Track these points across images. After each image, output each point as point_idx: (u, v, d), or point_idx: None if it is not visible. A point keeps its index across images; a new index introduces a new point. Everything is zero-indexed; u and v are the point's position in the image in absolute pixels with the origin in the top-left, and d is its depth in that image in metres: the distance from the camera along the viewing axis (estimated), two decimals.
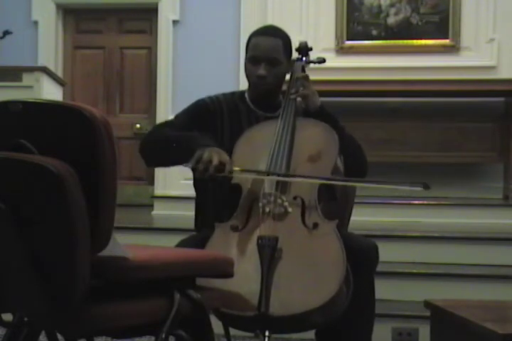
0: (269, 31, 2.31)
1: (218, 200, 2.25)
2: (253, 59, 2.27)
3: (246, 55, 2.31)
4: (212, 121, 2.29)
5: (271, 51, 2.25)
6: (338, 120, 2.30)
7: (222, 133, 2.29)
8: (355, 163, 2.27)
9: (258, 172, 2.08)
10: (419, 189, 1.97)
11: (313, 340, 2.20)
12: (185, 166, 2.02)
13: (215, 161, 1.97)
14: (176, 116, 2.32)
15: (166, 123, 2.30)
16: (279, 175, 2.07)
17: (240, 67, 5.25)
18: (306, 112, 2.30)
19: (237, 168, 2.04)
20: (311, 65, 2.52)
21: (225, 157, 2.02)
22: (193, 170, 2.02)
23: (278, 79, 2.30)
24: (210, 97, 2.36)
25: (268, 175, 2.08)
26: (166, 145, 2.14)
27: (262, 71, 2.24)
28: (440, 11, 5.50)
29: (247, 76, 2.32)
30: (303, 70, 2.43)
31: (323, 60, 2.52)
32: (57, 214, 1.31)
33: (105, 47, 6.23)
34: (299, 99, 2.30)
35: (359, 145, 2.34)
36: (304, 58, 2.48)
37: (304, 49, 2.49)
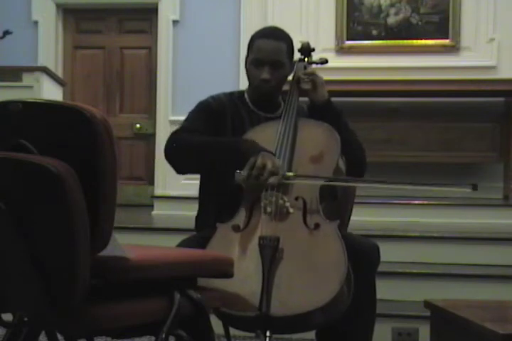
0: (273, 34, 2.29)
1: (220, 200, 2.25)
2: (257, 62, 2.26)
3: (248, 56, 2.30)
4: (217, 122, 2.28)
5: (275, 54, 2.24)
6: (342, 114, 2.31)
7: (224, 133, 2.28)
8: (355, 158, 2.27)
9: (311, 177, 2.08)
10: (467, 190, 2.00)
11: (314, 340, 2.20)
12: (238, 174, 2.02)
13: (270, 167, 1.99)
14: (187, 120, 2.28)
15: (185, 129, 2.23)
16: (331, 180, 2.07)
17: (239, 67, 5.25)
18: (313, 105, 2.31)
19: (290, 174, 2.05)
20: (313, 66, 2.51)
21: (278, 161, 2.05)
22: (247, 177, 2.01)
23: (280, 82, 2.30)
24: (212, 97, 2.35)
25: (328, 180, 2.07)
26: (202, 150, 2.13)
27: (266, 75, 2.24)
28: (440, 11, 5.50)
29: (248, 78, 2.32)
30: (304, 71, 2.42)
31: (326, 61, 2.51)
32: (57, 214, 1.31)
33: (105, 47, 6.23)
34: (302, 97, 2.31)
35: (360, 142, 2.35)
36: (306, 59, 2.47)
37: (307, 50, 2.48)
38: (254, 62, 2.27)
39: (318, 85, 2.30)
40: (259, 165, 2.00)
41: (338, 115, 2.31)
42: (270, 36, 2.27)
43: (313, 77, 2.30)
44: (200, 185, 2.35)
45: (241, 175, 2.01)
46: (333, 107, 2.31)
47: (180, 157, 2.16)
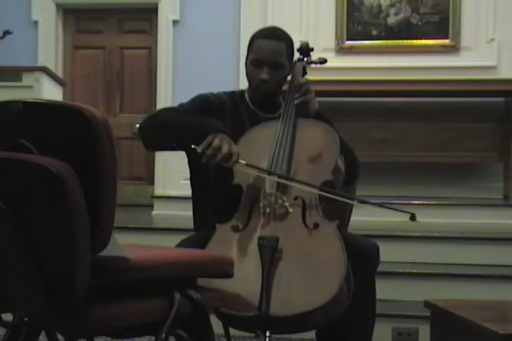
0: (273, 34, 2.29)
1: (219, 201, 2.25)
2: (256, 62, 2.26)
3: (248, 56, 2.30)
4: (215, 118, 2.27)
5: (274, 55, 2.24)
6: (332, 124, 2.29)
7: None
8: (348, 166, 2.25)
9: (261, 169, 2.07)
10: (407, 217, 2.01)
11: (314, 340, 2.20)
12: (194, 148, 1.98)
13: (225, 150, 1.97)
14: (181, 105, 2.29)
15: (171, 108, 2.28)
16: (280, 177, 2.07)
17: (240, 67, 5.25)
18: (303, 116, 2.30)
19: (243, 161, 2.03)
20: (313, 65, 2.51)
21: (235, 148, 2.02)
22: (200, 154, 1.98)
23: (280, 82, 2.30)
24: (212, 94, 2.35)
25: (270, 174, 2.07)
26: (172, 126, 2.11)
27: (264, 75, 2.24)
28: (440, 11, 5.50)
29: (248, 78, 2.31)
30: (304, 71, 2.42)
31: (325, 61, 2.51)
32: (57, 214, 1.31)
33: (105, 47, 6.24)
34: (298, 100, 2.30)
35: (352, 149, 2.33)
36: (305, 59, 2.47)
37: (306, 49, 2.48)
38: (254, 62, 2.26)
39: (310, 102, 2.27)
40: (215, 145, 1.97)
41: (330, 124, 2.27)
42: (270, 36, 2.27)
43: (306, 98, 2.25)
44: (194, 185, 2.34)
45: (195, 149, 1.98)
46: (322, 117, 2.29)
47: (152, 131, 2.16)
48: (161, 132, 2.15)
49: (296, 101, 2.26)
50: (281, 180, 2.06)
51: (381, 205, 2.10)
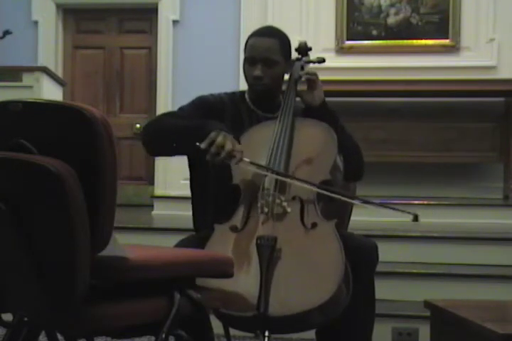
0: (265, 32, 2.31)
1: (217, 201, 2.25)
2: (249, 60, 2.27)
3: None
4: (215, 119, 2.28)
5: (266, 51, 2.24)
6: (339, 118, 2.30)
7: None
8: (352, 164, 2.26)
9: (266, 168, 2.07)
10: (408, 217, 2.00)
11: (314, 340, 2.20)
12: (197, 145, 1.98)
13: (229, 147, 1.97)
14: (181, 108, 2.29)
15: (171, 113, 2.27)
16: (280, 174, 2.07)
17: (240, 67, 5.23)
18: (308, 107, 2.30)
19: (247, 160, 2.02)
20: (311, 65, 2.51)
21: (238, 145, 2.02)
22: (203, 151, 1.97)
23: (275, 80, 2.29)
24: (212, 95, 2.35)
25: (274, 172, 2.07)
26: (174, 132, 2.11)
27: (257, 72, 2.24)
28: (440, 10, 5.50)
29: (244, 77, 2.32)
30: (302, 70, 2.42)
31: (323, 60, 2.51)
32: (57, 214, 1.31)
33: (105, 47, 6.24)
34: (298, 98, 2.30)
35: (357, 145, 2.34)
36: (303, 58, 2.47)
37: (304, 49, 2.48)
38: (248, 60, 2.28)
39: (314, 86, 2.29)
40: (219, 143, 1.97)
41: (334, 118, 2.28)
42: (263, 34, 2.28)
43: (309, 77, 2.28)
44: (194, 186, 2.34)
45: (199, 146, 1.98)
46: (328, 110, 2.29)
47: (155, 137, 2.16)
48: (162, 136, 2.15)
49: (302, 79, 2.27)
50: (285, 179, 2.05)
51: (383, 205, 2.09)
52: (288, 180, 2.06)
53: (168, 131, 2.13)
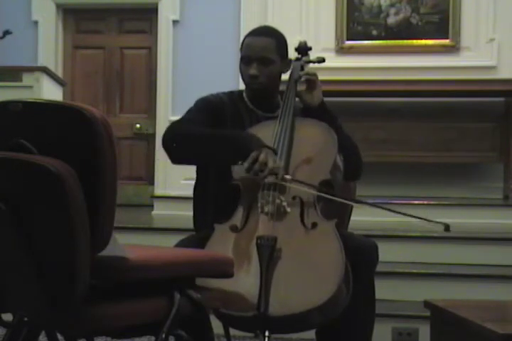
0: (261, 31, 2.31)
1: (218, 201, 2.25)
2: (245, 59, 2.27)
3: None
4: (216, 118, 2.28)
5: (262, 50, 2.25)
6: (337, 118, 2.30)
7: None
8: (351, 164, 2.26)
9: (309, 185, 2.06)
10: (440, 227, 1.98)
11: (314, 340, 2.20)
12: (241, 164, 2.01)
13: (271, 164, 1.99)
14: (188, 113, 2.27)
15: (185, 120, 2.23)
16: (322, 192, 2.05)
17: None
18: (307, 107, 2.30)
19: (288, 177, 2.04)
20: (311, 65, 2.52)
21: (279, 162, 2.04)
22: (247, 169, 2.00)
23: (271, 79, 2.29)
24: (212, 95, 2.35)
25: (319, 191, 2.05)
26: (202, 140, 2.12)
27: (253, 71, 2.24)
28: (440, 10, 5.50)
29: (241, 76, 2.32)
30: (302, 70, 2.42)
31: (323, 60, 2.51)
32: (57, 214, 1.31)
33: (105, 47, 6.23)
34: (297, 99, 2.30)
35: (356, 145, 2.34)
36: (303, 58, 2.47)
37: (303, 48, 2.49)
38: (244, 59, 2.28)
39: (314, 86, 2.29)
40: (262, 160, 1.99)
41: (333, 119, 2.29)
42: (258, 34, 2.29)
43: (309, 77, 2.29)
44: (196, 186, 2.35)
45: (242, 166, 2.00)
46: (327, 110, 2.30)
47: (179, 146, 2.14)
48: (191, 147, 2.13)
49: (302, 79, 2.27)
50: (328, 196, 2.04)
51: (413, 216, 2.04)
52: (335, 198, 2.05)
53: (199, 139, 2.13)
